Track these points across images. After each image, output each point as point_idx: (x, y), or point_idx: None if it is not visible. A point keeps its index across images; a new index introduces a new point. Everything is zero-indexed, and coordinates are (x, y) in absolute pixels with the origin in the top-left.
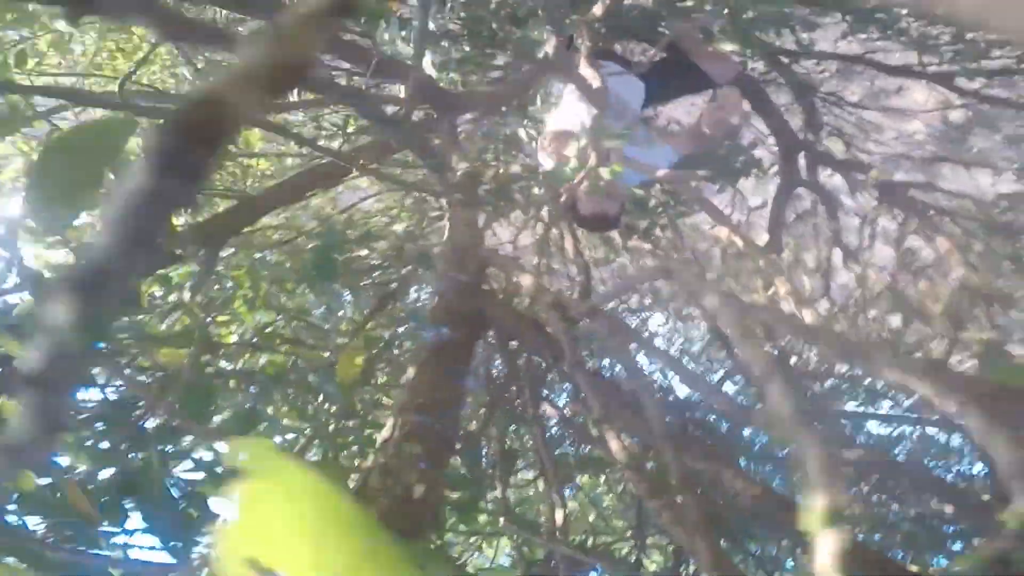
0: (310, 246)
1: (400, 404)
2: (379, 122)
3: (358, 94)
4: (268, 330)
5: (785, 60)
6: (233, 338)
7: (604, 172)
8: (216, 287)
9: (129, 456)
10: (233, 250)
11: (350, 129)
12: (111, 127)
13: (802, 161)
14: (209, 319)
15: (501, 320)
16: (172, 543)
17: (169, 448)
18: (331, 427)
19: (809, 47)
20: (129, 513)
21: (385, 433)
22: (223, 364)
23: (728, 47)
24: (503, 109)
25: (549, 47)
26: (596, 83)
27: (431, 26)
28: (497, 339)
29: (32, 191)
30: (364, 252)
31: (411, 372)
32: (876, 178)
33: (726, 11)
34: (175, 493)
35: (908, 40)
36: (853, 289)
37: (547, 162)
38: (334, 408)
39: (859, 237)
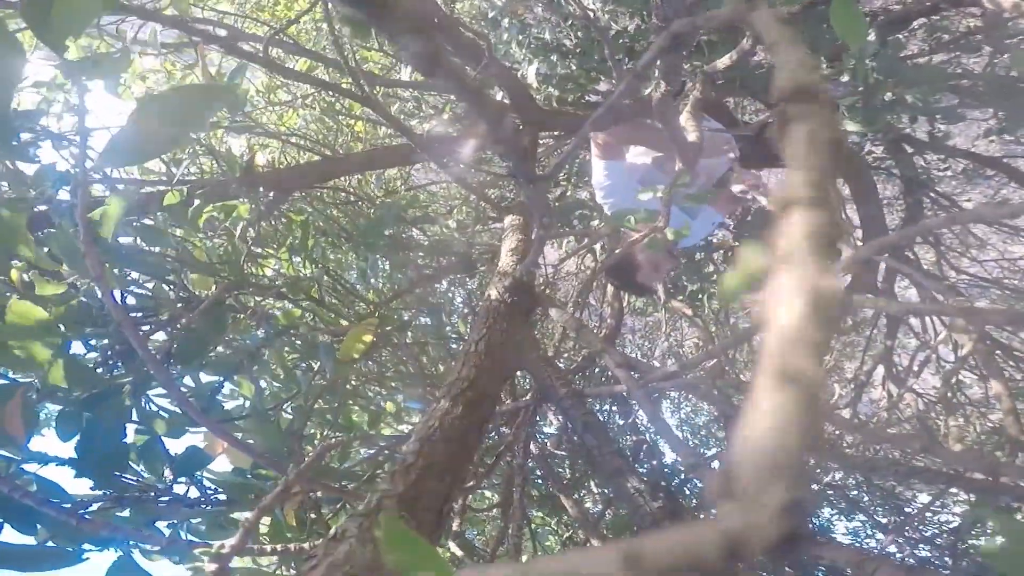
0: (369, 211)
1: (426, 433)
2: (520, 179)
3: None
4: (298, 280)
5: (909, 149)
6: (267, 273)
7: (670, 233)
8: (268, 225)
9: (110, 371)
10: (299, 195)
11: (445, 116)
12: (202, 95)
13: (882, 264)
14: (248, 256)
15: (534, 368)
16: (99, 468)
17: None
18: (308, 395)
19: (942, 140)
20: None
21: (409, 459)
22: (243, 299)
23: (850, 126)
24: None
25: (656, 88)
26: (692, 137)
27: (545, 36)
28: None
29: (130, 131)
30: (415, 233)
31: (445, 402)
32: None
33: (861, 88)
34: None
35: None
36: (882, 408)
37: (598, 177)
38: (322, 378)
39: (910, 360)
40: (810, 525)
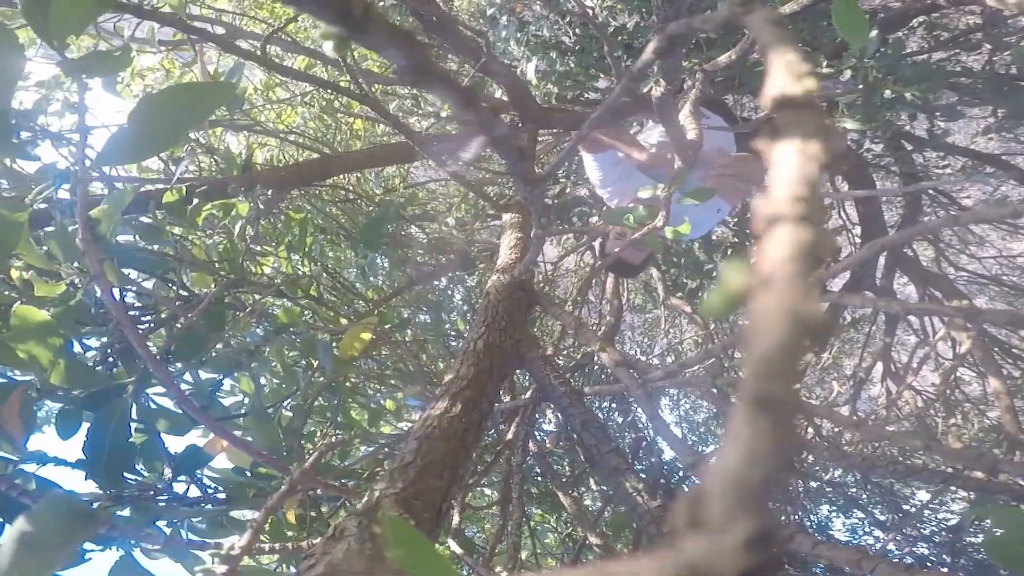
0: (368, 209)
1: (424, 431)
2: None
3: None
4: (297, 278)
5: (908, 146)
6: (265, 271)
7: (668, 232)
8: (267, 222)
9: (110, 368)
10: (298, 193)
11: (444, 113)
12: (201, 94)
13: (882, 260)
14: (246, 254)
15: (533, 366)
16: (104, 468)
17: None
18: (307, 393)
19: (941, 137)
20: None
21: (408, 457)
22: (242, 297)
23: (849, 124)
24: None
25: (656, 85)
26: (692, 135)
27: (544, 33)
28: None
29: (130, 130)
30: (414, 230)
31: (444, 400)
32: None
33: (862, 86)
34: (134, 415)
35: None
36: (880, 406)
37: (592, 172)
38: (320, 376)
39: (909, 357)
40: (780, 558)
